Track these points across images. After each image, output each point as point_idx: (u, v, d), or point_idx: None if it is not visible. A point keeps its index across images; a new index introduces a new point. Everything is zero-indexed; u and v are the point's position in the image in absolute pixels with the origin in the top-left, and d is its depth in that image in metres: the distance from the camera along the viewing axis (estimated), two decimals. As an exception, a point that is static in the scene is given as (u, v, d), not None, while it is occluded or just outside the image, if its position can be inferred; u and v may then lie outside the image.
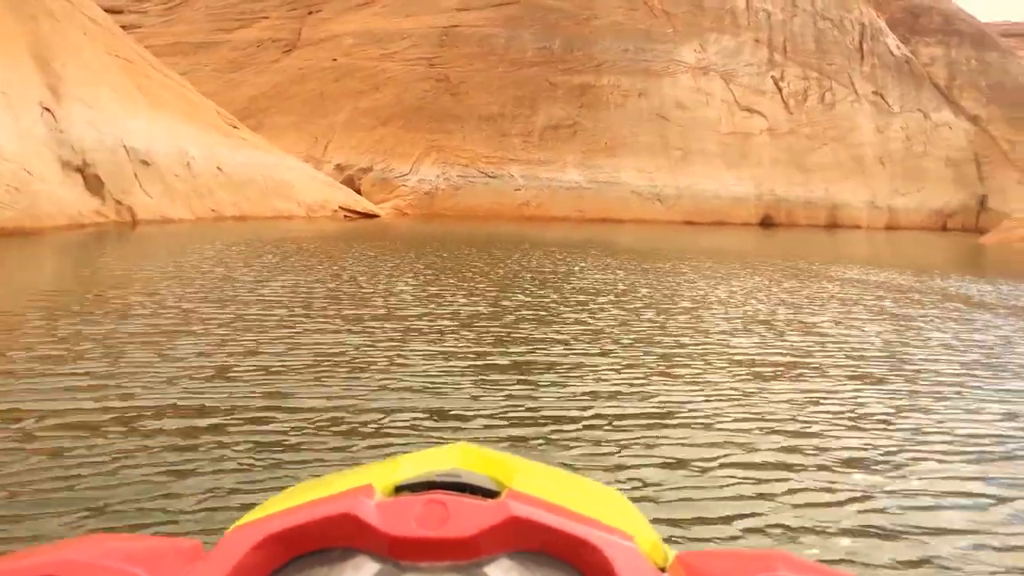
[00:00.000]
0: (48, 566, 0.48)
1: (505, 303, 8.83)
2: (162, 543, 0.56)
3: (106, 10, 26.72)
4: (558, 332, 7.10)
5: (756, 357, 6.40)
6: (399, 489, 0.60)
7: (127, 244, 15.95)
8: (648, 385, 5.24)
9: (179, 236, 17.53)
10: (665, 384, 5.31)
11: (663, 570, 0.59)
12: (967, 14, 69.75)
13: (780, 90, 50.48)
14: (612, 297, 9.87)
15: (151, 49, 30.77)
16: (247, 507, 1.11)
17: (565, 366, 5.71)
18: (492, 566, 0.54)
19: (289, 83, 43.02)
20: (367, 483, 0.58)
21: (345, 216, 28.69)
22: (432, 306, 8.31)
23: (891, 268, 17.59)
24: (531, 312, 8.23)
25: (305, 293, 8.98)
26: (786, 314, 9.05)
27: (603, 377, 5.41)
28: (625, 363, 5.89)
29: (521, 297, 9.47)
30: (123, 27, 28.66)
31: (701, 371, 5.76)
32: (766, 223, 47.71)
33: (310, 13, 45.14)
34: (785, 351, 6.75)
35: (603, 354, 6.20)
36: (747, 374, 5.74)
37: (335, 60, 42.21)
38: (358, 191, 37.91)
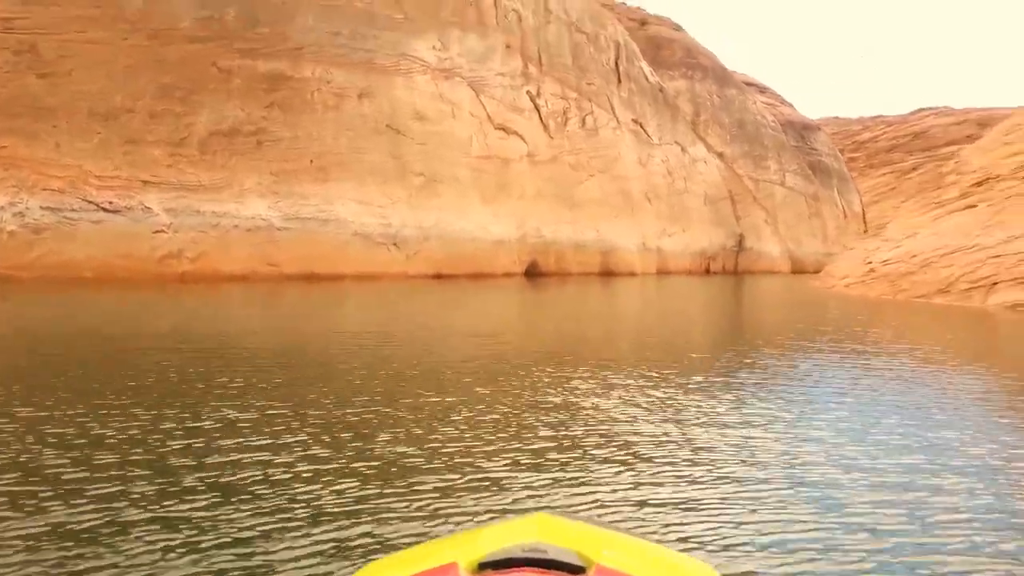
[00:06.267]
0: None
1: None
2: None
3: None
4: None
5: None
6: (483, 566, 0.57)
7: None
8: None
9: None
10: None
11: None
12: (707, 49, 67.28)
13: (538, 109, 40.75)
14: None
15: None
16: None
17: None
18: None
19: None
20: (452, 561, 0.56)
21: None
22: None
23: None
24: None
25: None
26: None
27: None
28: None
29: None
30: None
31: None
32: (532, 272, 37.16)
33: None
34: None
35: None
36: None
37: None
38: None
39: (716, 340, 12.55)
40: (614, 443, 4.88)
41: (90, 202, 22.15)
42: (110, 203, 22.34)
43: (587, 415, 5.67)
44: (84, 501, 3.51)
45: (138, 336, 10.21)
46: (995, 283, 16.17)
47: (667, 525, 3.42)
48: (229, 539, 3.14)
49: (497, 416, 5.52)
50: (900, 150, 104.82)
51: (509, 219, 35.79)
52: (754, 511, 3.63)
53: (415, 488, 3.83)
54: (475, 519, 3.45)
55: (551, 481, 4.05)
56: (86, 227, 21.78)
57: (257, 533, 3.21)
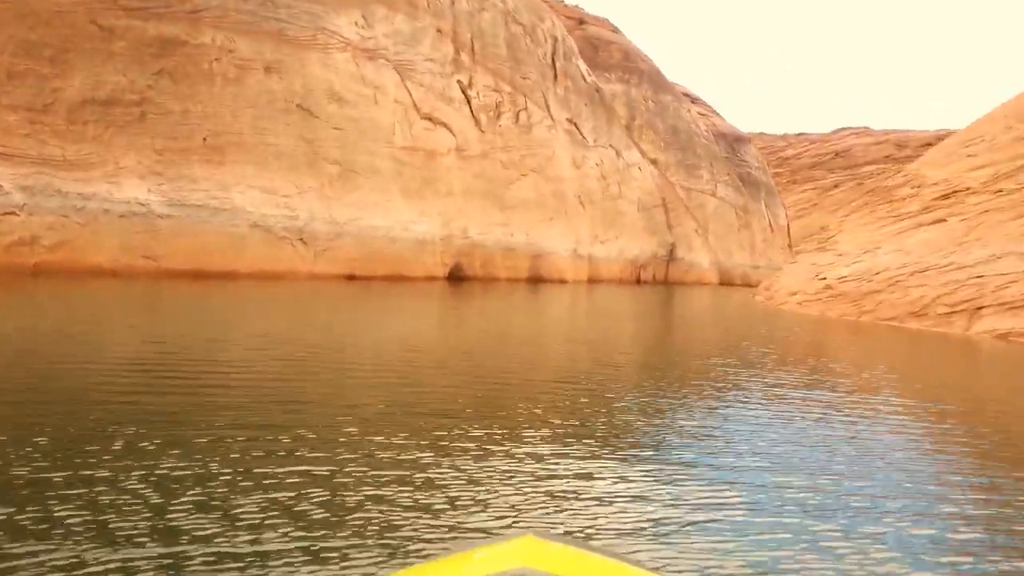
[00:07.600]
0: None
1: None
2: None
3: None
4: None
5: None
6: None
7: None
8: None
9: None
10: None
11: None
12: (644, 54, 65.89)
13: (469, 100, 38.02)
14: None
15: None
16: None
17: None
18: None
19: None
20: None
21: None
22: None
23: None
24: None
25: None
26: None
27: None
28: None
29: None
30: None
31: None
32: (456, 276, 34.41)
33: None
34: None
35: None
36: None
37: None
38: None
39: (710, 393, 10.07)
40: None
41: (-82, 174, 18.18)
42: (-55, 176, 18.41)
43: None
44: None
45: None
46: (979, 308, 14.39)
47: None
48: None
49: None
50: (822, 167, 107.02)
51: (434, 217, 32.94)
52: None
53: None
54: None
55: None
56: (-89, 204, 17.83)
57: None
